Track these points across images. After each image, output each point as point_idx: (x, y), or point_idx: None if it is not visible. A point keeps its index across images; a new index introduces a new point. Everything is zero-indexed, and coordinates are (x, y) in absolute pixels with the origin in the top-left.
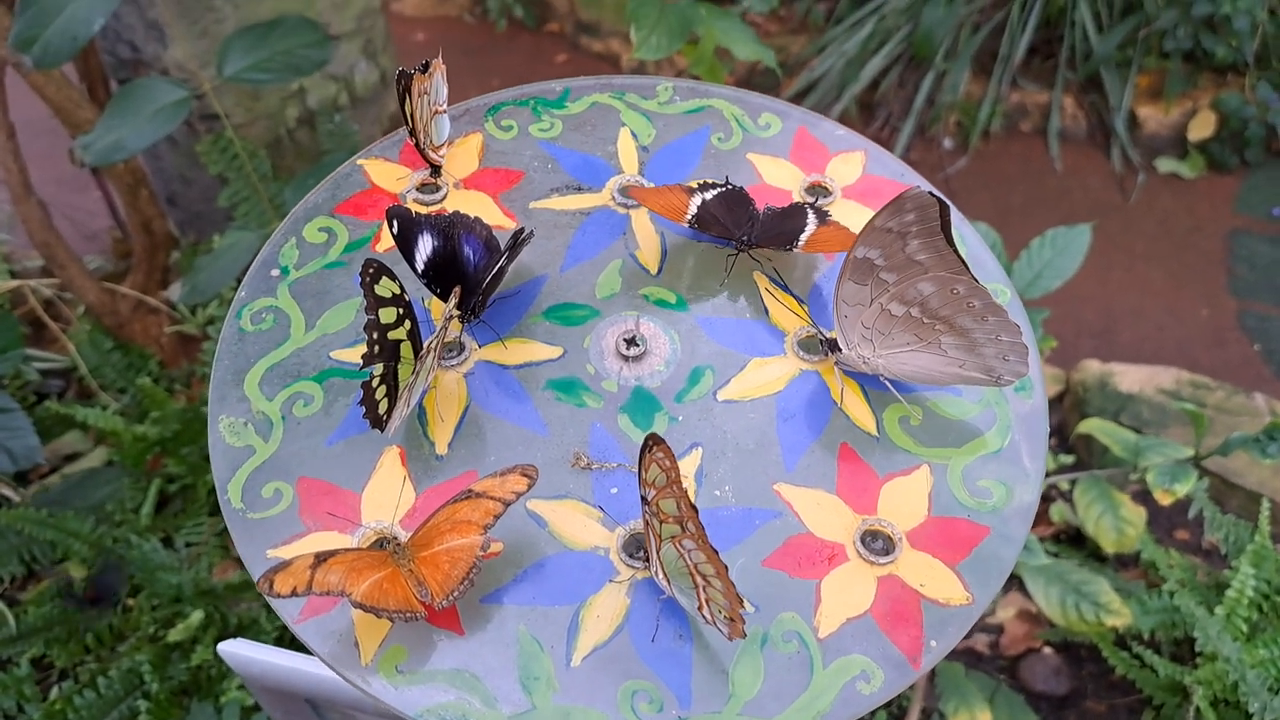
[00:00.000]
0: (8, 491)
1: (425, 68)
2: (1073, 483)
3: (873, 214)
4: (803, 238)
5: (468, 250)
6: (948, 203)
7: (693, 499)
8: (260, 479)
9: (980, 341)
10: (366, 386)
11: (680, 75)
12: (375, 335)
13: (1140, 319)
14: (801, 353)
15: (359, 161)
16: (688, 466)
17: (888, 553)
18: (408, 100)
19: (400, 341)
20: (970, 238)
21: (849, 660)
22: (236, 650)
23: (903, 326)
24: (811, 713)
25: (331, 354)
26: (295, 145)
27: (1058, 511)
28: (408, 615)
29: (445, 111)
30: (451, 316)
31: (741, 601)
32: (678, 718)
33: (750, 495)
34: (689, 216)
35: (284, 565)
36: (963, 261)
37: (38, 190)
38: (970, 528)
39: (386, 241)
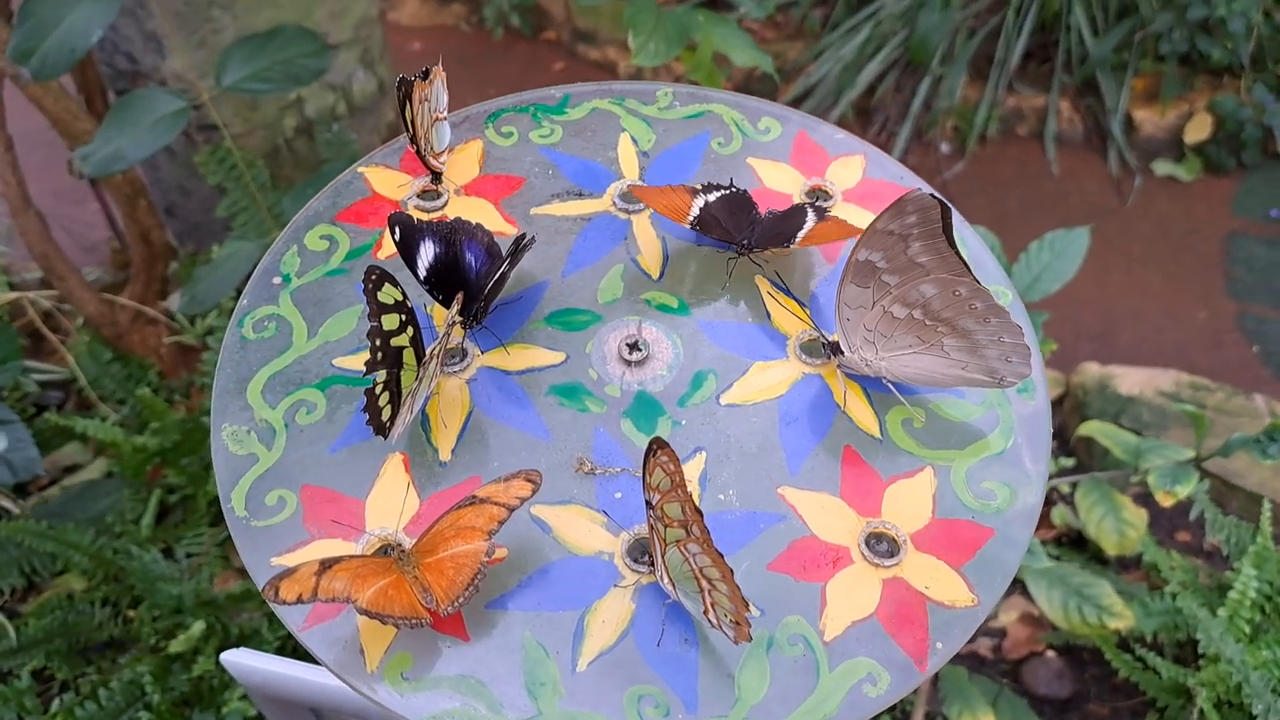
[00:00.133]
0: (7, 504)
1: (426, 75)
2: (1074, 485)
3: (874, 217)
4: (800, 234)
5: (469, 256)
6: (949, 205)
7: (697, 503)
8: (264, 487)
9: (983, 343)
10: (370, 393)
11: (678, 81)
12: (378, 342)
13: (1139, 321)
14: (804, 356)
15: (360, 169)
16: (691, 471)
17: (892, 555)
18: (408, 107)
19: (403, 348)
20: (971, 240)
21: (855, 663)
22: (239, 660)
23: (905, 329)
24: (818, 716)
25: (334, 361)
26: (293, 155)
27: (1059, 514)
28: (413, 622)
29: (446, 118)
30: (454, 322)
31: (747, 605)
32: None
33: (754, 499)
34: (691, 218)
35: (289, 572)
36: (965, 263)
37: (36, 202)
38: (974, 529)
39: (388, 249)
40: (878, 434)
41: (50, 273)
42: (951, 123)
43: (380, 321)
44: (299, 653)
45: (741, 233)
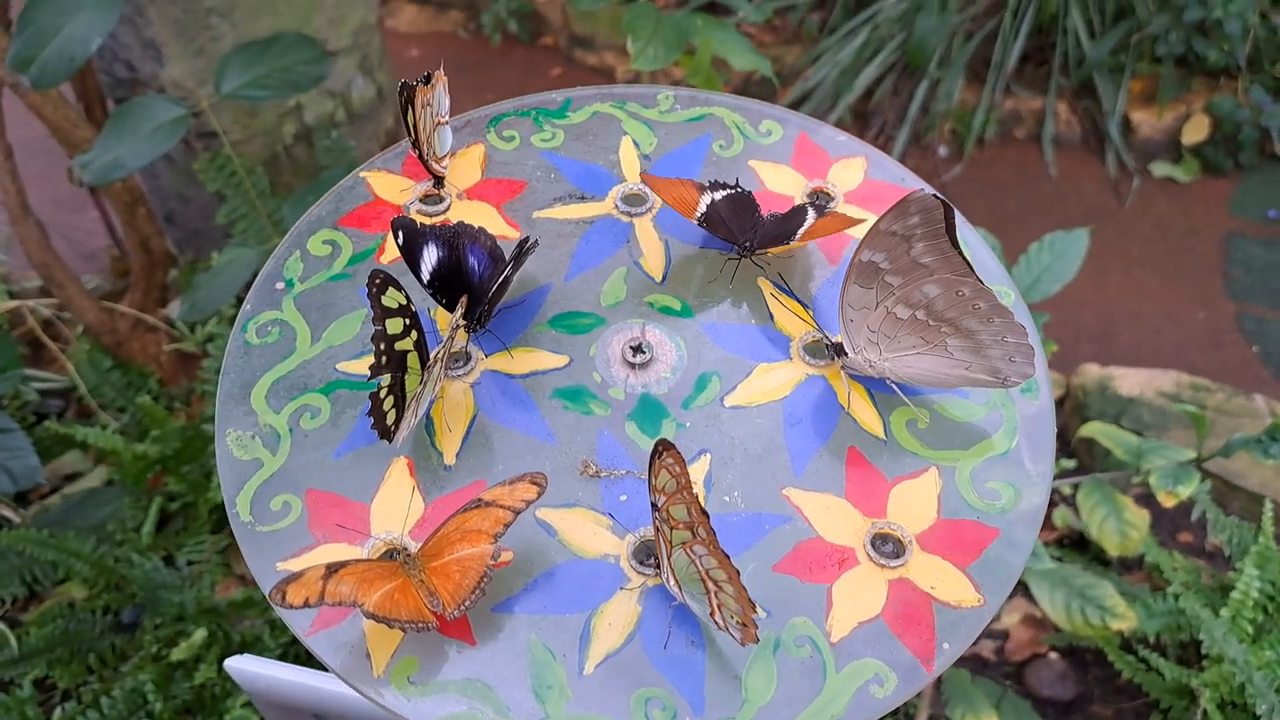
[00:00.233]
0: (8, 513)
1: (428, 79)
2: (1075, 487)
3: (876, 218)
4: (800, 231)
5: (472, 260)
6: (952, 205)
7: (702, 505)
8: (268, 492)
9: (986, 343)
10: (374, 397)
11: (676, 86)
12: (382, 346)
13: (1138, 322)
14: (807, 357)
15: (362, 174)
16: (696, 473)
17: (898, 556)
18: (410, 112)
19: (407, 352)
20: (973, 241)
21: (862, 664)
22: (243, 666)
23: (908, 329)
24: (825, 717)
25: (338, 366)
26: (292, 161)
27: (1060, 516)
28: (420, 625)
29: (447, 123)
30: (458, 326)
31: (754, 606)
32: None
33: (759, 500)
34: (699, 214)
35: (296, 577)
36: (968, 264)
37: (35, 210)
38: (980, 529)
39: (391, 253)
40: (882, 435)
41: (50, 281)
42: (949, 126)
43: (385, 325)
44: (301, 660)
45: (745, 234)
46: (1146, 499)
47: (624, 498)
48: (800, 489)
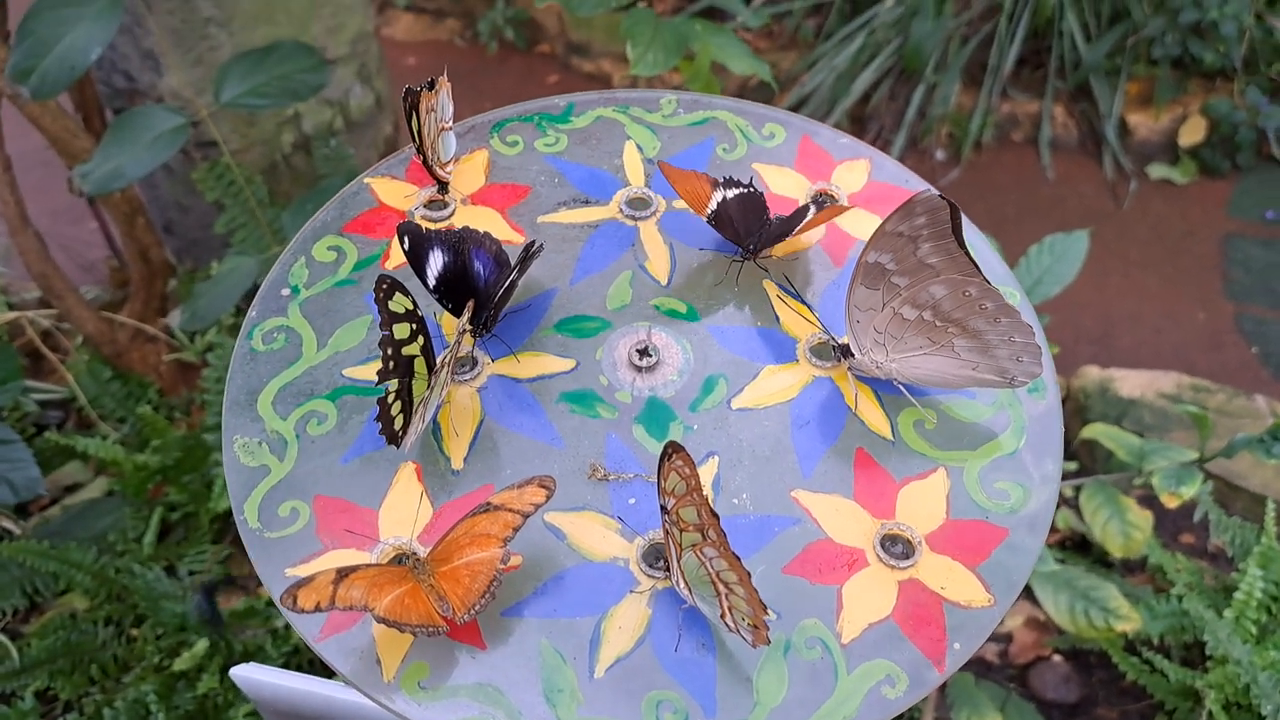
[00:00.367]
0: (9, 524)
1: (432, 85)
2: (1076, 489)
3: (881, 219)
4: (800, 226)
5: (478, 265)
6: (958, 206)
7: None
8: (276, 498)
9: (993, 343)
10: (382, 402)
11: (677, 90)
12: (390, 351)
13: (1138, 324)
14: (814, 359)
15: (366, 180)
16: (704, 476)
17: (907, 556)
18: (415, 117)
19: (414, 357)
20: (977, 241)
21: (873, 665)
22: (249, 674)
23: (915, 330)
24: (837, 718)
25: (344, 372)
26: (291, 170)
27: (1063, 518)
28: (430, 630)
29: (451, 128)
30: (464, 331)
31: (765, 608)
32: None
33: (768, 502)
34: (709, 211)
35: (306, 581)
36: (974, 264)
37: (34, 222)
38: (989, 529)
39: (395, 259)
40: (890, 436)
41: (49, 292)
42: (946, 130)
43: (392, 330)
44: (302, 670)
45: (751, 236)
46: (1148, 501)
47: (632, 501)
48: (809, 491)
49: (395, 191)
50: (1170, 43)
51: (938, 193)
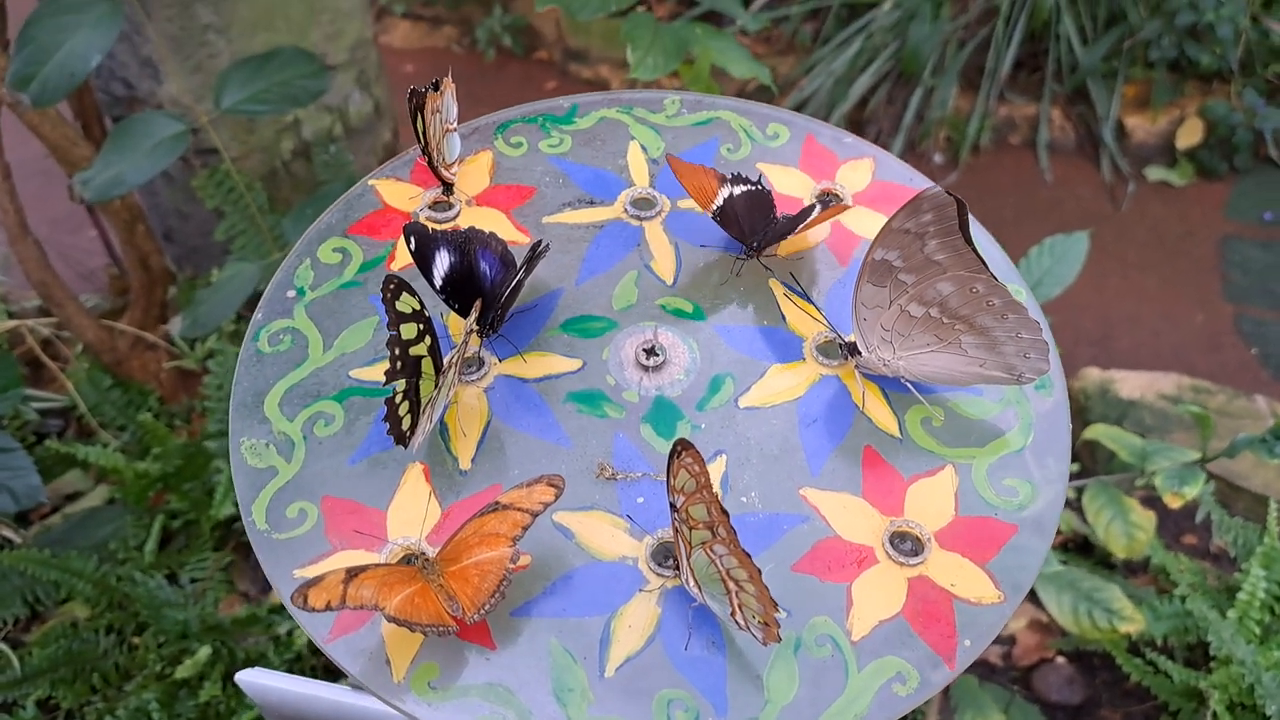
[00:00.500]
0: (9, 533)
1: (436, 86)
2: (1078, 491)
3: (887, 217)
4: (804, 224)
5: (484, 265)
6: (964, 202)
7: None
8: (284, 499)
9: (1000, 340)
10: (390, 403)
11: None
12: (397, 351)
13: (1137, 326)
14: (821, 357)
15: (371, 181)
16: (712, 474)
17: (917, 554)
18: (420, 118)
19: (421, 357)
20: (982, 239)
21: (884, 662)
22: (254, 679)
23: (922, 327)
24: (849, 716)
25: (350, 373)
26: (291, 177)
27: (1064, 520)
28: (440, 630)
29: (456, 130)
30: (471, 331)
31: (775, 605)
32: None
33: (776, 501)
34: (715, 207)
35: (316, 581)
36: (981, 260)
37: (33, 230)
38: (998, 526)
39: (401, 260)
40: (897, 433)
41: (49, 300)
42: (944, 133)
43: (399, 331)
44: (307, 676)
45: (756, 235)
46: (1149, 502)
47: (641, 500)
48: (817, 488)
49: (400, 193)
50: (1167, 45)
51: (944, 189)
